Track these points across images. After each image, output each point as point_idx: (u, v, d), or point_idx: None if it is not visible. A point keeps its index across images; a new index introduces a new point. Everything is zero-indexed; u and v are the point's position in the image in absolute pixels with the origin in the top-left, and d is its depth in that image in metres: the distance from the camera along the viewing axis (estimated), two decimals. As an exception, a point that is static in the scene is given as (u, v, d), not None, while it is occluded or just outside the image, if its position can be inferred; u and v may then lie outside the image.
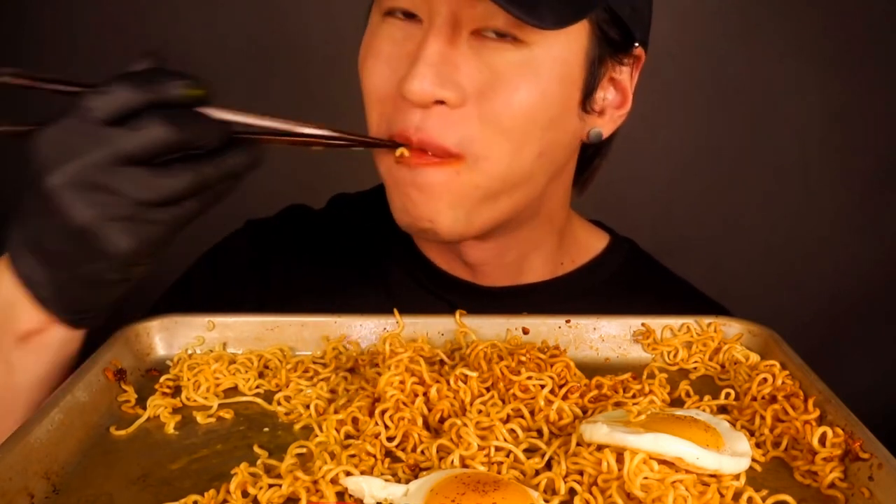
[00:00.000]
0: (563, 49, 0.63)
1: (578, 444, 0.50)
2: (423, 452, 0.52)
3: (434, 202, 0.64)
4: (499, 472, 0.50)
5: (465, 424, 0.52)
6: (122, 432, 0.56)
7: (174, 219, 0.53)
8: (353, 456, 0.50)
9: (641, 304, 0.76)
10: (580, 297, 0.79)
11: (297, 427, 0.57)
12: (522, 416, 0.56)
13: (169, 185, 0.51)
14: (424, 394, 0.56)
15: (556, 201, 0.77)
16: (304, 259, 0.83)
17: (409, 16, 0.63)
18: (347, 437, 0.54)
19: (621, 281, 0.82)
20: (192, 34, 1.53)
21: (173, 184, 0.51)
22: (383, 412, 0.54)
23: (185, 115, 0.51)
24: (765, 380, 0.59)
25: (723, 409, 0.59)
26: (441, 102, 0.61)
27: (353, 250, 0.84)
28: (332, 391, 0.60)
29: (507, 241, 0.75)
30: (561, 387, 0.59)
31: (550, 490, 0.48)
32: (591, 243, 0.84)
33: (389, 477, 0.49)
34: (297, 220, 0.88)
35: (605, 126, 0.70)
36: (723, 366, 0.66)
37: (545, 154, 0.66)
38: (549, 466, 0.50)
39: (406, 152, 0.63)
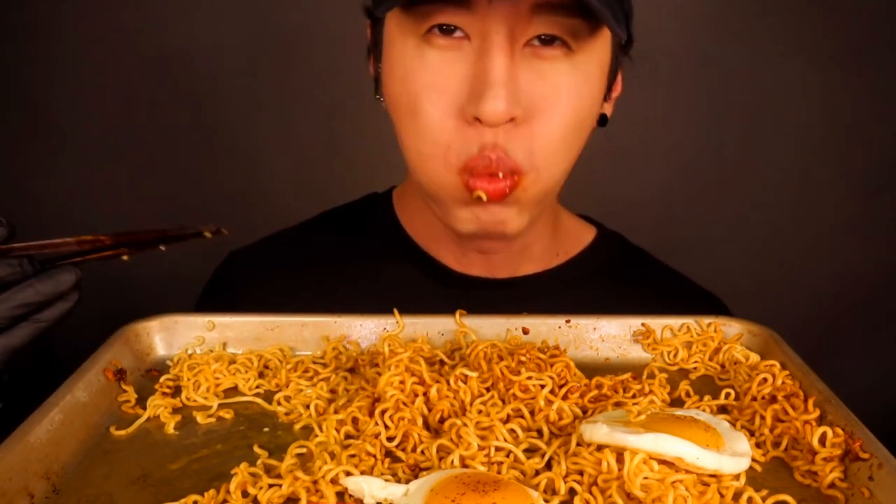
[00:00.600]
0: (601, 51, 0.65)
1: (578, 444, 0.50)
2: (423, 452, 0.52)
3: (506, 212, 0.66)
4: (499, 472, 0.50)
5: (465, 424, 0.52)
6: (122, 432, 0.56)
7: None
8: (353, 456, 0.51)
9: (636, 293, 0.80)
10: (576, 287, 0.81)
11: (297, 427, 0.57)
12: (522, 417, 0.56)
13: None
14: (424, 394, 0.56)
15: None
16: (301, 278, 0.82)
17: (447, 31, 0.61)
18: (347, 437, 0.54)
19: (614, 271, 0.84)
20: (191, 33, 1.53)
21: None
22: (383, 412, 0.54)
23: None
24: (765, 380, 0.59)
25: (723, 409, 0.59)
26: (511, 120, 0.61)
27: (346, 260, 0.83)
28: (332, 391, 0.60)
29: None
30: (561, 387, 0.59)
31: (550, 490, 0.48)
32: (581, 234, 0.86)
33: (389, 477, 0.49)
34: (283, 243, 0.87)
35: (608, 110, 0.73)
36: (723, 366, 0.66)
37: (581, 148, 0.69)
38: (549, 466, 0.50)
39: (484, 196, 0.63)
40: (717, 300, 0.84)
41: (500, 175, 0.62)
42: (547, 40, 0.61)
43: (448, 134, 0.62)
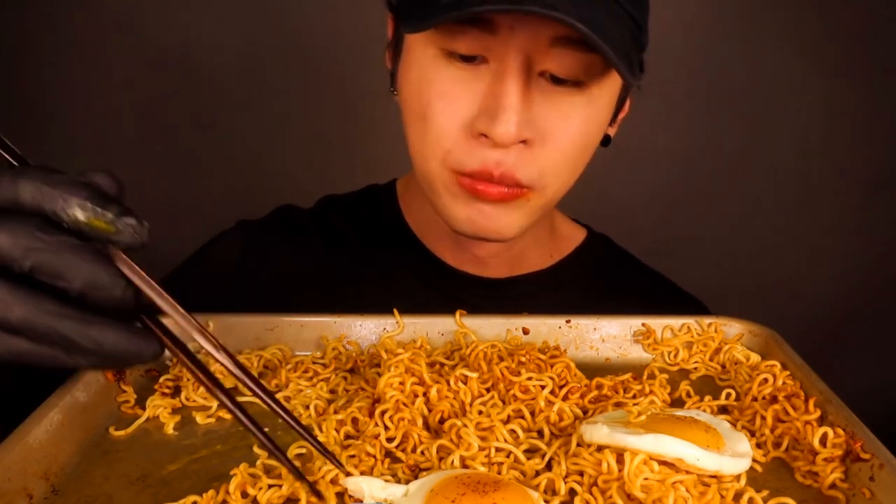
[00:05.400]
0: (613, 85, 0.66)
1: (579, 445, 0.50)
2: (423, 453, 0.52)
3: (505, 218, 0.67)
4: (499, 473, 0.49)
5: (465, 425, 0.52)
6: (122, 433, 0.55)
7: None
8: (352, 456, 0.50)
9: (620, 294, 0.82)
10: (565, 287, 0.83)
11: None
12: (523, 417, 0.56)
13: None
14: (424, 394, 0.56)
15: None
16: (302, 255, 0.84)
17: (468, 59, 0.63)
18: (347, 437, 0.54)
19: (601, 272, 0.86)
20: (191, 31, 1.53)
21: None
22: (383, 413, 0.54)
23: (48, 236, 0.37)
24: (765, 380, 0.59)
25: (723, 410, 0.59)
26: (522, 142, 0.63)
27: (349, 248, 0.84)
28: (332, 391, 0.60)
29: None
30: (561, 387, 0.59)
31: (551, 491, 0.48)
32: (573, 235, 0.88)
33: (389, 477, 0.49)
34: (290, 219, 0.88)
35: (612, 131, 0.74)
36: (723, 366, 0.66)
37: (585, 166, 0.70)
38: (549, 467, 0.50)
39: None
40: (700, 304, 0.85)
41: (505, 186, 0.64)
42: (560, 80, 0.62)
43: (451, 142, 0.64)
